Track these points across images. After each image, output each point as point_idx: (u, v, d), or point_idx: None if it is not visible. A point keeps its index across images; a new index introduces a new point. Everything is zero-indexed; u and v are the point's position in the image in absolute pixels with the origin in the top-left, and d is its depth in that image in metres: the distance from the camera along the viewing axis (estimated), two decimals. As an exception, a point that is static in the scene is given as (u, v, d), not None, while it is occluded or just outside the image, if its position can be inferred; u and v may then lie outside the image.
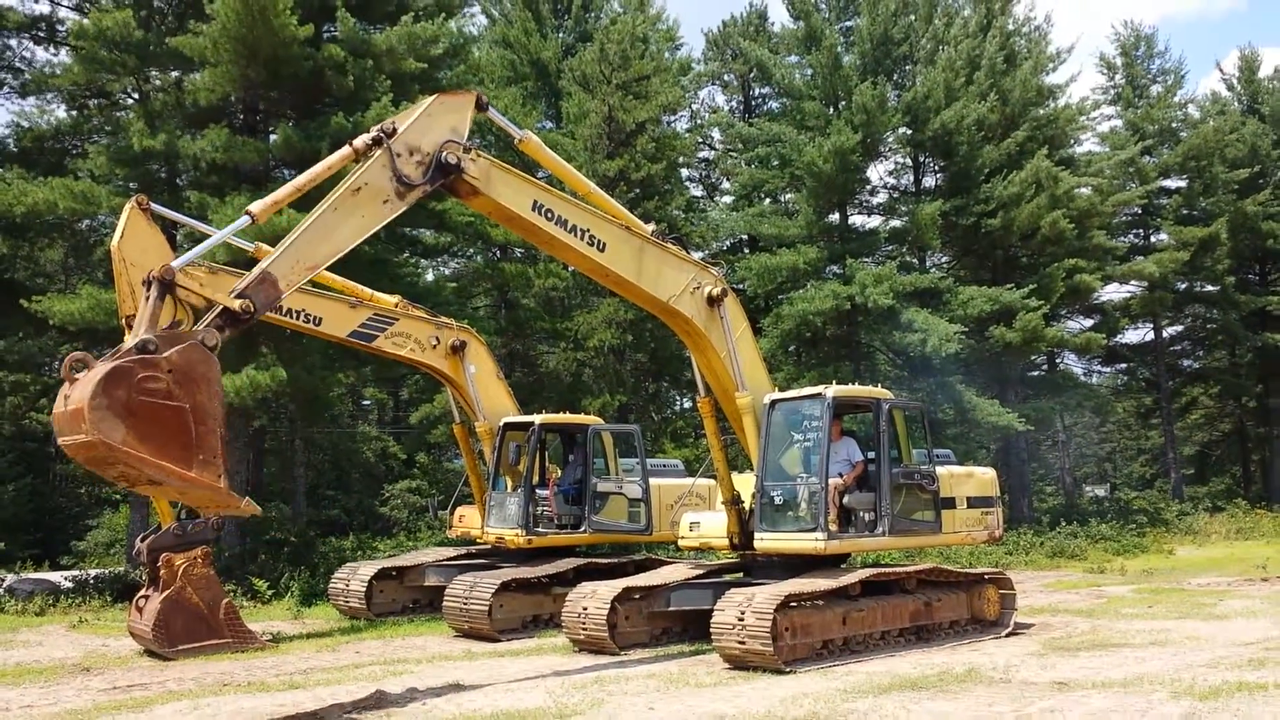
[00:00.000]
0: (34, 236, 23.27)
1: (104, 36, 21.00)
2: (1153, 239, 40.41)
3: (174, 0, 23.61)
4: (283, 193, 10.52)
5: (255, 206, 10.12)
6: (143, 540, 14.52)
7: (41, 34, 25.02)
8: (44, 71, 24.13)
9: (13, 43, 24.93)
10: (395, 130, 10.65)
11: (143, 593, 14.52)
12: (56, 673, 12.80)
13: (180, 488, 8.57)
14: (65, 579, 22.20)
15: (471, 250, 32.22)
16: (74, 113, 24.96)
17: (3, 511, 30.14)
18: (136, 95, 23.41)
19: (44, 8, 25.08)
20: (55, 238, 25.34)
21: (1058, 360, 37.23)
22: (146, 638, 13.86)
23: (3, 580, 22.13)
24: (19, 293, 22.14)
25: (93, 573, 22.69)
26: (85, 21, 21.39)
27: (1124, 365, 43.55)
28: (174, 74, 23.21)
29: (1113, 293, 39.29)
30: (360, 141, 10.68)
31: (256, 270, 9.76)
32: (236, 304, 9.34)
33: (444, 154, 10.80)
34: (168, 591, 13.88)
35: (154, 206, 14.95)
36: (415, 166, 10.69)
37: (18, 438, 34.48)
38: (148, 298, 9.25)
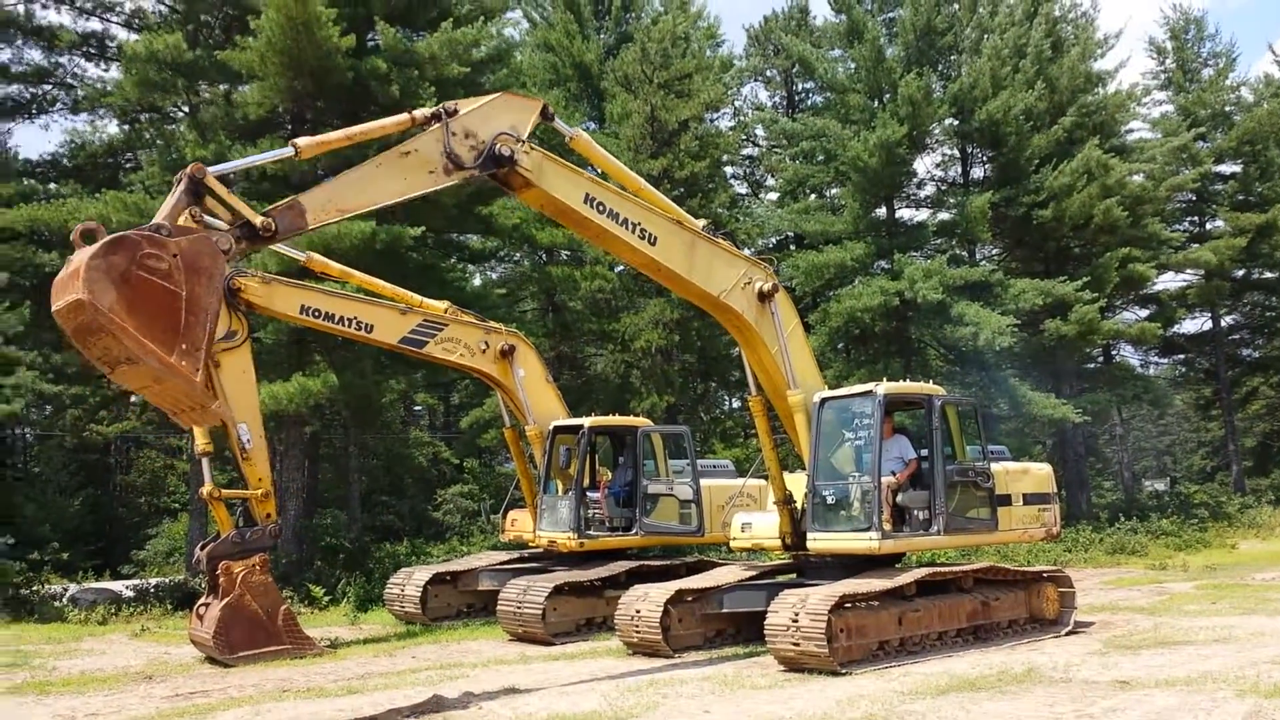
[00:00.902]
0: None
1: (156, 59, 21.34)
2: (1208, 226, 39.61)
3: (221, 15, 23.92)
4: (332, 136, 10.72)
5: (302, 141, 10.30)
6: (202, 549, 14.76)
7: (93, 50, 25.47)
8: (96, 89, 24.55)
9: (64, 60, 25.39)
10: (456, 111, 10.83)
11: (203, 600, 14.72)
12: (120, 681, 13.01)
13: (157, 371, 8.33)
14: (127, 588, 22.61)
15: (518, 254, 32.36)
16: (125, 127, 25.38)
17: (66, 522, 30.74)
18: (187, 109, 23.77)
19: (95, 25, 25.47)
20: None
21: (1113, 352, 36.62)
22: (207, 645, 14.06)
23: (66, 590, 22.58)
24: (77, 307, 22.52)
25: (153, 581, 23.08)
26: (137, 44, 21.72)
27: (1182, 356, 42.74)
28: (223, 88, 23.53)
29: (1168, 282, 38.59)
30: (420, 113, 10.88)
31: (290, 199, 9.94)
32: (259, 220, 9.48)
33: (498, 145, 10.96)
34: (227, 599, 14.07)
35: (206, 218, 15.10)
36: (468, 150, 10.84)
37: (79, 450, 35.17)
38: (175, 192, 9.36)
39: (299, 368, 21.27)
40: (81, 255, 8.12)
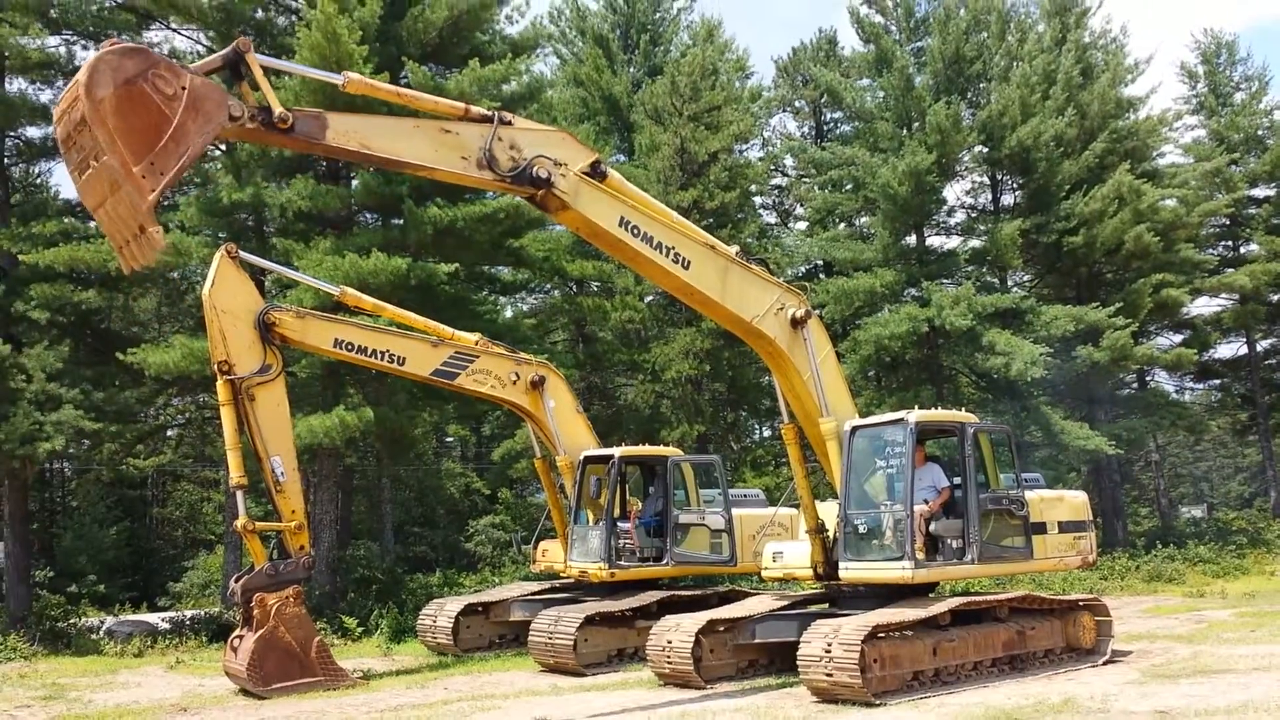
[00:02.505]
0: (128, 287, 24.04)
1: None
2: (1242, 250, 39.24)
3: (256, 54, 24.28)
4: (382, 85, 11.01)
5: (353, 75, 10.58)
6: (236, 581, 14.86)
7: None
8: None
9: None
10: (511, 123, 11.05)
11: (237, 632, 14.80)
12: (155, 713, 13.10)
13: (114, 178, 8.41)
14: (162, 620, 22.78)
15: (549, 286, 32.54)
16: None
17: (103, 555, 31.02)
18: (224, 147, 24.17)
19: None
20: (148, 288, 26.11)
21: (1148, 378, 36.25)
22: (241, 677, 14.13)
23: (103, 622, 22.78)
24: (115, 343, 22.91)
25: (189, 614, 23.25)
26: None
27: (1217, 381, 42.21)
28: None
29: (1203, 307, 38.22)
30: (476, 110, 11.06)
31: (318, 110, 10.16)
32: (279, 109, 9.57)
33: (535, 168, 11.05)
34: (261, 631, 14.15)
35: (243, 254, 15.37)
36: (507, 159, 10.99)
37: (116, 484, 35.55)
38: (216, 55, 9.66)
39: (334, 401, 21.46)
40: (102, 50, 8.42)
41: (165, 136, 8.59)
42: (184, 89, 8.69)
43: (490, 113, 10.97)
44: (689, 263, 12.25)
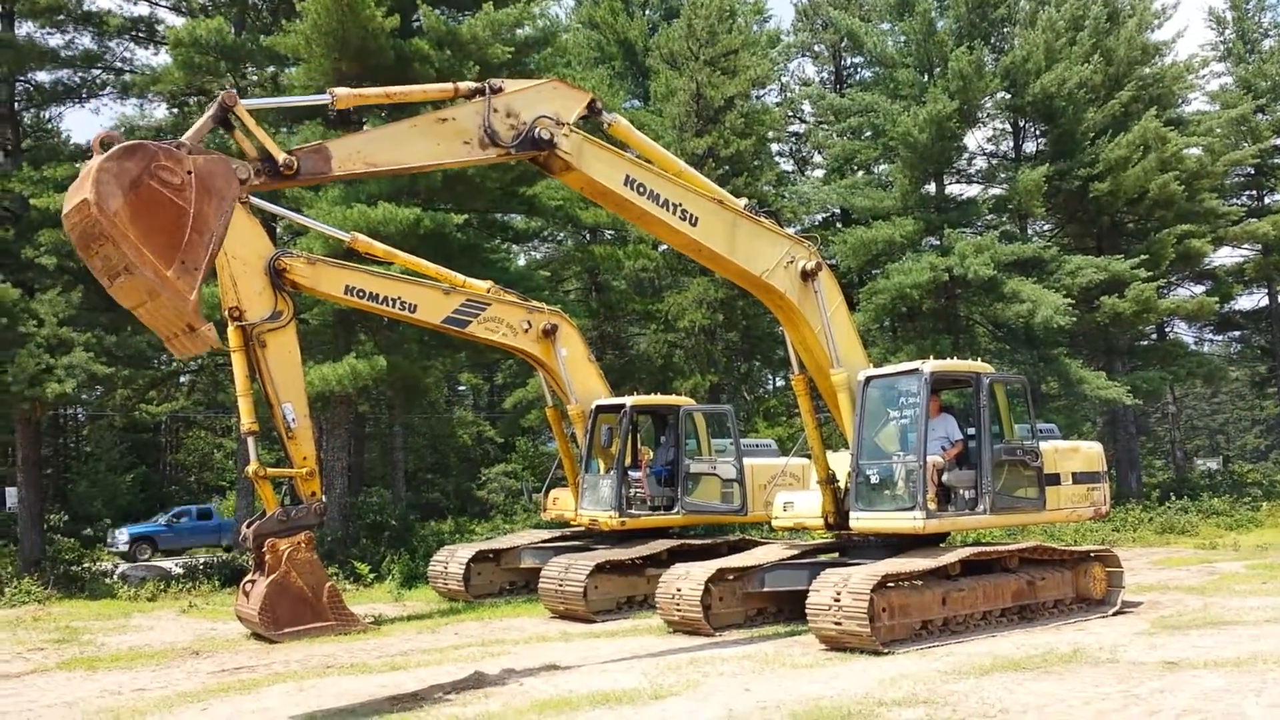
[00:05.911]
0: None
1: (199, 43, 21.48)
2: (1267, 200, 38.67)
3: None
4: (370, 91, 10.83)
5: (340, 90, 10.36)
6: (248, 526, 14.88)
7: (142, 34, 25.65)
8: (145, 75, 24.76)
9: (114, 44, 25.59)
10: (501, 89, 10.80)
11: (249, 577, 14.84)
12: (167, 656, 13.21)
13: (151, 285, 8.19)
14: (176, 565, 22.96)
15: (562, 234, 32.34)
16: (174, 111, 25.59)
17: (118, 500, 31.28)
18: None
19: (143, 9, 25.64)
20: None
21: (1167, 329, 35.91)
22: (253, 621, 14.20)
23: (117, 567, 23.00)
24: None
25: (202, 559, 23.43)
26: (181, 30, 21.88)
27: (1237, 332, 41.89)
28: (270, 70, 23.63)
29: (1225, 257, 37.78)
30: (465, 86, 10.87)
31: (318, 143, 9.96)
32: (282, 156, 9.46)
33: (537, 129, 10.87)
34: (273, 576, 14.17)
35: (253, 200, 15.23)
36: (507, 128, 10.79)
37: (129, 430, 35.77)
38: (204, 115, 9.44)
39: (345, 349, 21.41)
40: (98, 159, 8.11)
41: (187, 229, 8.34)
42: (190, 173, 8.42)
43: (480, 84, 10.75)
44: (696, 219, 12.09)
